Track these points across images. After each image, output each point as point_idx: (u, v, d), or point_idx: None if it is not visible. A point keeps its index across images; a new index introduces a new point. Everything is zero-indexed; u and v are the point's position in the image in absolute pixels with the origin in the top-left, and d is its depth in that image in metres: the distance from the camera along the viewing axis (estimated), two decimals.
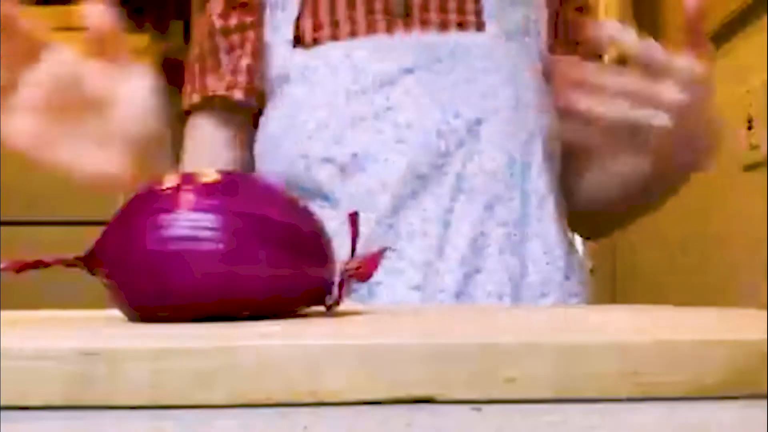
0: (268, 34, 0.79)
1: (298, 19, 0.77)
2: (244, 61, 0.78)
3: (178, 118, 0.80)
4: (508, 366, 0.25)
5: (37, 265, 0.41)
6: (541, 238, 0.71)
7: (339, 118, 0.72)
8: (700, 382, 0.26)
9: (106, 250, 0.41)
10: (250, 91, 0.78)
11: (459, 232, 0.68)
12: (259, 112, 0.80)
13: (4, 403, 0.24)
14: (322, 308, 0.43)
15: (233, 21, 0.79)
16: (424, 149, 0.70)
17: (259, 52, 0.78)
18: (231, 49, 0.79)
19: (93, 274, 0.41)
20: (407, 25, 0.76)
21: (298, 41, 0.77)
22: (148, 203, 0.41)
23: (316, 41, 0.76)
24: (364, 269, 0.43)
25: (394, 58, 0.73)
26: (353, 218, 0.45)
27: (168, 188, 0.41)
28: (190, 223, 0.39)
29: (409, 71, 0.73)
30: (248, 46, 0.78)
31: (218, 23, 0.80)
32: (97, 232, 0.42)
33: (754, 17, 1.18)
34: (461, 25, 0.76)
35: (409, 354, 0.25)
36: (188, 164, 0.81)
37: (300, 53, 0.76)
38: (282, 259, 0.40)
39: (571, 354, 0.26)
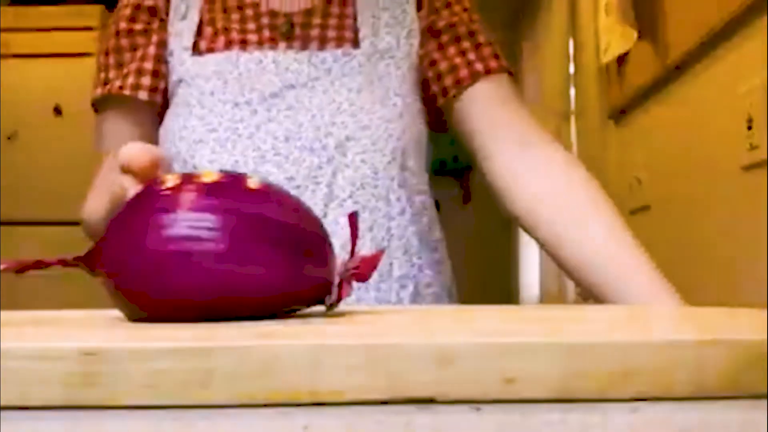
0: (171, 41, 0.85)
1: (197, 28, 0.84)
2: (148, 64, 0.84)
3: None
4: (508, 366, 0.25)
5: (37, 265, 0.41)
6: (402, 239, 0.80)
7: (224, 127, 0.78)
8: (700, 382, 0.26)
9: (106, 250, 0.41)
10: (153, 92, 0.84)
11: (333, 236, 0.74)
12: (163, 111, 0.85)
13: (4, 403, 0.24)
14: (322, 308, 0.43)
15: (139, 26, 0.86)
16: (298, 163, 0.77)
17: (162, 56, 0.84)
18: (134, 49, 0.85)
19: (93, 274, 0.41)
20: (290, 41, 0.83)
21: (195, 49, 0.83)
22: (148, 203, 0.41)
23: (210, 50, 0.83)
24: (364, 269, 0.43)
25: (278, 73, 0.80)
26: (352, 218, 0.45)
27: (168, 188, 0.41)
28: (190, 223, 0.39)
29: (291, 87, 0.80)
30: (152, 49, 0.85)
31: (125, 25, 0.86)
32: None
33: (754, 17, 1.18)
34: (339, 42, 0.84)
35: (409, 354, 0.25)
36: (105, 155, 0.88)
37: (195, 61, 0.82)
38: (282, 259, 0.40)
39: (571, 354, 0.26)
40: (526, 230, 0.82)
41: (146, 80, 0.83)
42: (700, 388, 0.26)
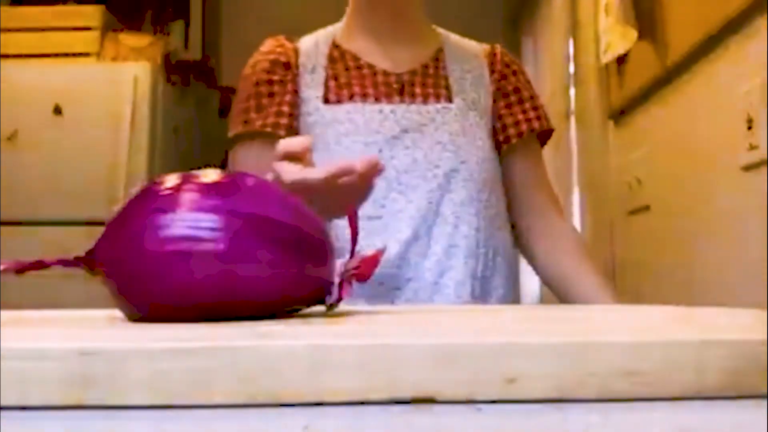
0: (304, 90, 1.05)
1: (325, 81, 1.06)
2: (285, 108, 1.03)
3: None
4: (508, 366, 0.25)
5: (37, 265, 0.41)
6: (486, 248, 1.02)
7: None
8: (700, 382, 0.26)
9: (106, 250, 0.41)
10: (290, 131, 1.02)
11: (436, 243, 0.98)
12: None
13: (4, 403, 0.24)
14: (322, 308, 0.43)
15: (276, 77, 1.05)
16: (416, 191, 0.99)
17: (295, 102, 1.04)
18: (272, 96, 1.05)
19: (93, 274, 0.41)
20: (402, 95, 1.06)
21: (325, 98, 1.04)
22: (148, 203, 0.41)
23: (338, 101, 1.04)
24: (364, 269, 0.43)
25: (396, 120, 1.03)
26: (352, 219, 0.45)
27: (168, 188, 0.41)
28: (190, 223, 0.39)
29: (406, 131, 1.02)
30: (288, 97, 1.05)
31: (264, 76, 1.05)
32: (97, 232, 0.42)
33: (754, 17, 1.18)
34: (437, 98, 1.07)
35: (409, 354, 0.25)
36: None
37: (328, 108, 1.03)
38: (282, 259, 0.40)
39: (571, 354, 0.26)
40: (540, 275, 1.11)
41: (284, 120, 1.03)
42: (700, 388, 0.26)
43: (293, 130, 1.02)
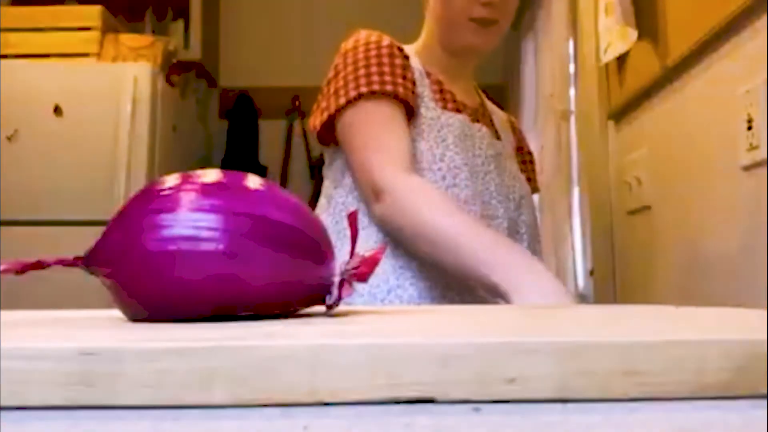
0: (417, 86, 1.09)
1: (430, 86, 1.12)
2: (410, 85, 1.06)
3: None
4: (508, 366, 0.25)
5: (37, 265, 0.41)
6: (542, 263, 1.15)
7: (471, 164, 1.08)
8: (700, 382, 0.26)
9: (106, 250, 0.41)
10: (410, 99, 1.04)
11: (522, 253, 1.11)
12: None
13: (4, 403, 0.24)
14: (322, 308, 0.43)
15: (399, 60, 1.07)
16: (502, 205, 1.11)
17: (414, 88, 1.07)
18: (404, 69, 1.06)
19: (93, 274, 0.41)
20: (479, 124, 1.15)
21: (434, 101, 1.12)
22: (148, 203, 0.41)
23: (445, 108, 1.11)
24: (364, 269, 0.43)
25: (489, 143, 1.14)
26: (352, 218, 0.45)
27: (168, 188, 0.41)
28: (190, 223, 0.39)
29: (494, 153, 1.14)
30: (411, 75, 1.08)
31: (395, 51, 1.07)
32: (97, 232, 0.42)
33: (754, 17, 1.18)
34: (496, 137, 1.20)
35: (409, 354, 0.25)
36: (383, 134, 1.04)
37: (442, 112, 1.09)
38: (282, 259, 0.40)
39: (571, 354, 0.26)
40: None
41: (409, 91, 1.05)
42: (700, 388, 0.26)
43: (414, 101, 1.05)
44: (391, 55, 1.06)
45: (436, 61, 1.15)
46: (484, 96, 1.28)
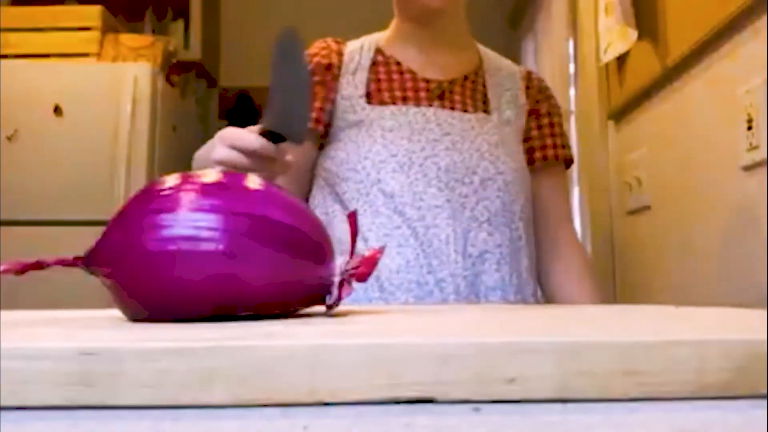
0: (345, 88, 1.09)
1: (367, 83, 1.10)
2: (318, 104, 1.09)
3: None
4: (508, 366, 0.25)
5: (37, 265, 0.41)
6: (516, 257, 1.05)
7: (402, 154, 1.03)
8: (700, 382, 0.26)
9: (106, 250, 0.41)
10: (317, 122, 1.07)
11: (473, 246, 1.00)
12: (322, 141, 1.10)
13: (4, 403, 0.24)
14: (322, 308, 0.43)
15: (317, 78, 1.10)
16: (453, 190, 1.02)
17: (327, 99, 1.09)
18: (315, 97, 1.10)
19: (93, 274, 0.41)
20: (441, 101, 1.10)
21: (368, 98, 1.08)
22: (148, 203, 0.41)
23: (380, 102, 1.08)
24: (364, 269, 0.43)
25: (438, 124, 1.07)
26: (352, 218, 0.45)
27: (168, 188, 0.41)
28: (190, 223, 0.39)
29: (447, 134, 1.06)
30: (324, 94, 1.09)
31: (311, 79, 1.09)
32: (97, 232, 0.42)
33: (754, 17, 1.18)
34: (475, 108, 1.11)
35: (409, 354, 0.25)
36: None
37: (372, 108, 1.07)
38: (282, 259, 0.40)
39: (571, 354, 0.25)
40: (548, 298, 1.15)
41: (314, 114, 1.08)
42: (700, 388, 0.26)
43: (319, 123, 1.07)
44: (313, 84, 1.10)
45: (401, 39, 1.14)
46: (487, 58, 1.18)
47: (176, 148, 2.54)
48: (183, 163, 2.66)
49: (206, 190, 0.41)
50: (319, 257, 0.42)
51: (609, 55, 1.74)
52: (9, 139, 2.27)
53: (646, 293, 1.64)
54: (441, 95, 1.10)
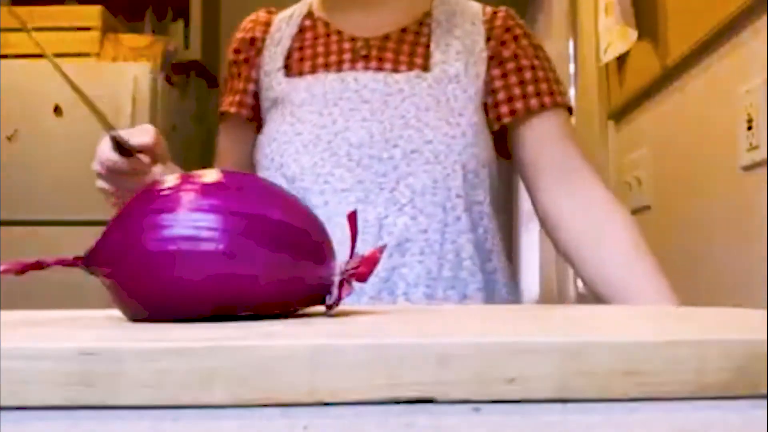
0: (267, 63, 0.99)
1: (288, 53, 0.98)
2: (241, 84, 1.00)
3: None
4: (508, 366, 0.25)
5: (37, 265, 0.41)
6: (455, 244, 0.87)
7: (308, 131, 0.90)
8: (700, 382, 0.26)
9: (106, 250, 0.41)
10: (242, 107, 1.00)
11: (390, 234, 0.85)
12: (259, 130, 0.99)
13: (4, 403, 0.24)
14: (322, 308, 0.43)
15: (242, 55, 1.02)
16: (367, 168, 0.87)
17: (252, 77, 1.00)
18: (239, 76, 1.02)
19: (93, 274, 0.41)
20: (368, 62, 0.94)
21: (287, 70, 0.97)
22: (148, 203, 0.41)
23: (300, 73, 0.96)
24: (364, 269, 0.43)
25: (357, 90, 0.92)
26: (352, 218, 0.45)
27: (167, 188, 0.41)
28: (190, 223, 0.39)
29: (366, 102, 0.91)
30: (244, 71, 1.01)
31: (232, 57, 1.03)
32: (97, 232, 0.42)
33: (754, 17, 1.18)
34: (410, 66, 0.94)
35: (409, 354, 0.25)
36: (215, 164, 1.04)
37: (288, 81, 0.95)
38: (282, 259, 0.40)
39: (571, 354, 0.25)
40: (571, 263, 0.91)
41: (236, 97, 1.00)
42: (700, 388, 0.26)
43: (244, 107, 0.99)
44: (230, 64, 1.03)
45: None
46: (441, 4, 0.99)
47: (176, 148, 2.54)
48: (182, 162, 2.66)
49: (206, 190, 0.41)
50: (319, 257, 0.42)
51: (609, 55, 1.74)
52: (9, 139, 2.27)
53: None
54: (367, 56, 0.94)
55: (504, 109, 0.94)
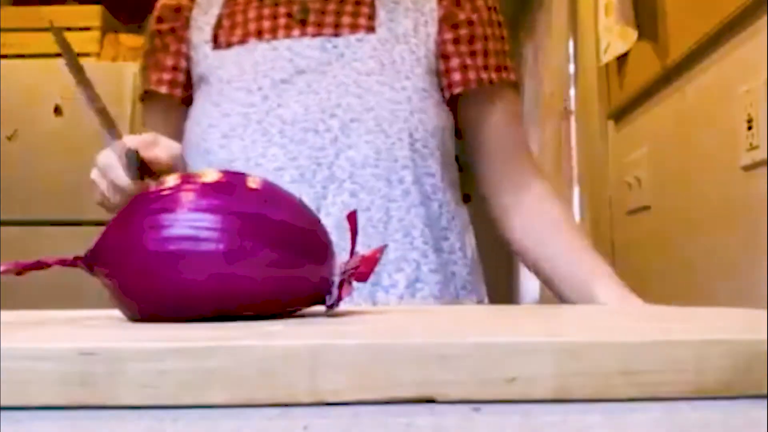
0: (194, 36, 0.88)
1: (217, 22, 0.87)
2: (169, 61, 0.89)
3: None
4: (508, 366, 0.25)
5: (37, 265, 0.41)
6: (403, 221, 0.79)
7: (236, 112, 0.81)
8: (700, 382, 0.26)
9: (106, 250, 0.41)
10: (174, 86, 0.89)
11: (328, 215, 0.76)
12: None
13: (4, 403, 0.24)
14: (322, 308, 0.43)
15: (166, 26, 0.90)
16: (302, 144, 0.78)
17: (181, 52, 0.89)
18: (164, 49, 0.90)
19: (93, 274, 0.41)
20: (305, 27, 0.84)
21: (215, 43, 0.86)
22: (148, 203, 0.41)
23: (229, 44, 0.86)
24: (363, 269, 0.43)
25: (291, 59, 0.82)
26: (352, 217, 0.45)
27: (168, 188, 0.41)
28: (190, 223, 0.39)
29: (302, 72, 0.81)
30: (173, 46, 0.89)
31: (155, 27, 0.91)
32: (97, 232, 0.42)
33: (754, 17, 1.18)
34: (353, 28, 0.84)
35: (409, 354, 0.25)
36: None
37: (215, 54, 0.86)
38: (282, 259, 0.40)
39: (571, 354, 0.25)
40: (516, 253, 0.88)
41: (167, 75, 0.88)
42: (700, 388, 0.26)
43: (177, 86, 0.89)
44: (153, 34, 0.91)
45: None
46: None
47: None
48: None
49: (206, 190, 0.41)
50: (319, 257, 0.42)
51: (609, 55, 1.74)
52: (9, 139, 2.27)
53: (646, 293, 1.64)
54: (304, 20, 0.84)
55: (455, 77, 0.85)
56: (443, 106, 0.86)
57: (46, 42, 2.48)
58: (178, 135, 0.86)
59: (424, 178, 0.81)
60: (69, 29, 2.46)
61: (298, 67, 0.81)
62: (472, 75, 0.85)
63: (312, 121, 0.79)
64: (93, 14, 2.50)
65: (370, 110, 0.79)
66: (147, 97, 0.92)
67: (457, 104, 0.87)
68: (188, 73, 0.89)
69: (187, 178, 0.42)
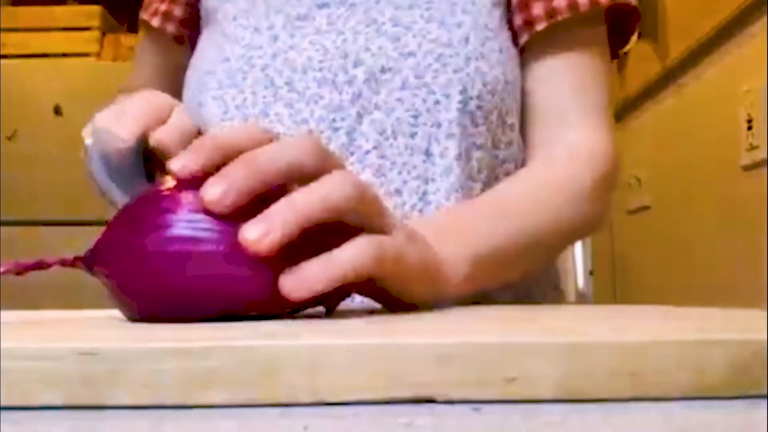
0: None
1: None
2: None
3: None
4: (508, 366, 0.25)
5: (38, 265, 0.41)
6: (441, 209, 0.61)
7: (237, 56, 0.66)
8: (700, 382, 0.26)
9: (106, 250, 0.41)
10: (166, 18, 0.76)
11: None
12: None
13: (4, 403, 0.24)
14: (322, 308, 0.43)
15: None
16: (313, 101, 0.61)
17: None
18: None
19: (93, 274, 0.41)
20: None
21: None
22: (149, 203, 0.41)
23: None
24: None
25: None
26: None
27: (168, 188, 0.41)
28: (191, 223, 0.39)
29: (324, 6, 0.64)
30: None
31: None
32: (97, 232, 0.42)
33: (754, 17, 1.17)
34: None
35: (409, 354, 0.25)
36: (127, 82, 0.80)
37: None
38: (282, 259, 0.40)
39: (571, 354, 0.25)
40: None
41: (163, 5, 0.76)
42: (700, 388, 0.26)
43: (172, 19, 0.76)
44: None
45: None
46: None
47: None
48: None
49: None
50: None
51: None
52: (9, 139, 2.27)
53: (646, 293, 1.64)
54: None
55: (519, 19, 0.65)
56: (513, 52, 0.65)
57: (46, 42, 2.48)
58: (167, 80, 0.76)
59: (473, 152, 0.62)
60: (69, 29, 2.47)
61: (318, 1, 0.64)
62: (536, 11, 0.63)
63: (329, 69, 0.61)
64: (93, 14, 2.50)
65: (409, 56, 0.60)
66: (142, 29, 0.80)
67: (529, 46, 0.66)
68: (193, 10, 0.76)
69: (188, 179, 0.42)
